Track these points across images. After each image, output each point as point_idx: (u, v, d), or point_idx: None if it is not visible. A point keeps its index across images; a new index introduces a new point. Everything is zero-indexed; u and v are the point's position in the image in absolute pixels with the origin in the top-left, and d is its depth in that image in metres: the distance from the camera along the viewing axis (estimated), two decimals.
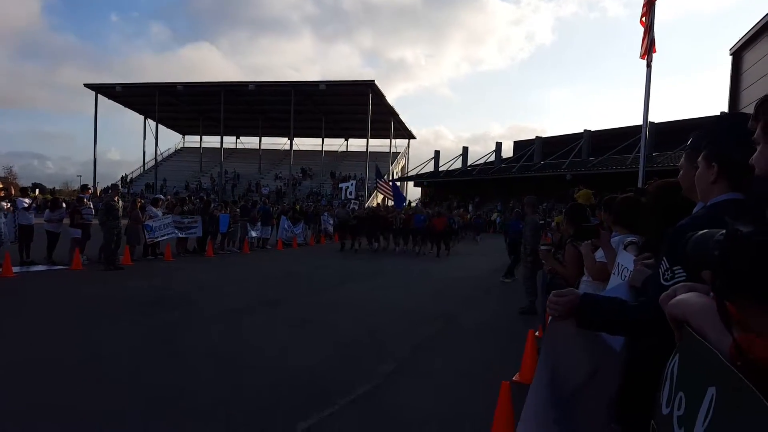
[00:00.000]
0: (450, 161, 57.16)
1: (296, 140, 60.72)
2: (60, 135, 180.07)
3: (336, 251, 18.61)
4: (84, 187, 13.82)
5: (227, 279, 11.18)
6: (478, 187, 52.79)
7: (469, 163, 56.19)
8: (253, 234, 18.57)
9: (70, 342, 5.87)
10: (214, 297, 8.95)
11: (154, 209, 15.09)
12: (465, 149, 57.33)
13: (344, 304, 8.51)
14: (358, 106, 54.00)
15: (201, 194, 51.66)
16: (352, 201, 35.88)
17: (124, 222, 13.11)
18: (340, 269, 13.34)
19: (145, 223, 14.31)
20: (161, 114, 60.24)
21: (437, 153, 60.59)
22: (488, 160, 54.32)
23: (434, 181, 57.65)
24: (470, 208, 48.88)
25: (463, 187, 54.93)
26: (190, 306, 8.07)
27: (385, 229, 19.24)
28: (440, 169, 58.46)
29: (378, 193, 22.54)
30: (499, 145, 54.83)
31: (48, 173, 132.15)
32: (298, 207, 25.56)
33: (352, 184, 40.24)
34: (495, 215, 43.38)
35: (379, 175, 25.81)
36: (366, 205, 44.08)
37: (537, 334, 6.15)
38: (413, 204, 35.65)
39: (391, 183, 25.16)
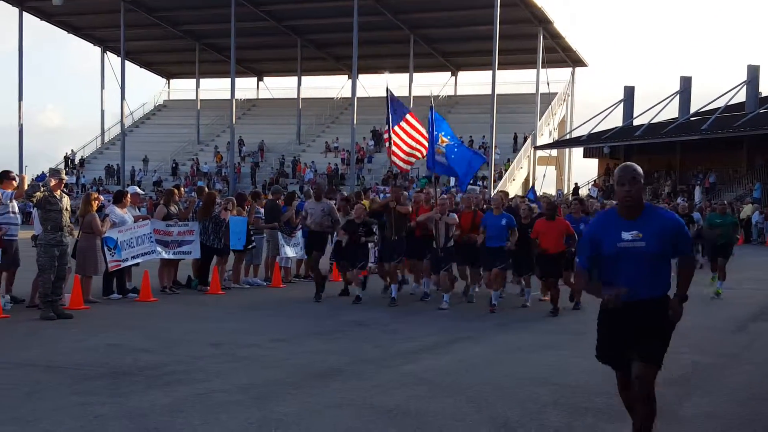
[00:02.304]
0: (654, 106, 55.45)
1: (362, 80, 61.35)
2: None
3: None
4: (4, 176, 14.29)
5: (248, 333, 11.39)
6: (713, 151, 50.92)
7: (693, 109, 54.28)
8: (289, 252, 18.67)
9: None
10: (225, 365, 9.22)
11: (118, 211, 15.55)
12: (686, 81, 55.19)
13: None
14: (475, 10, 53.67)
15: (199, 182, 53.61)
16: (468, 186, 35.58)
17: (71, 235, 13.56)
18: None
19: (107, 235, 14.79)
20: (131, 44, 62.97)
21: (629, 91, 58.87)
22: (731, 102, 52.19)
23: (624, 145, 56.24)
24: (696, 191, 47.21)
25: (683, 152, 53.19)
26: (187, 382, 8.34)
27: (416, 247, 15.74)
28: (634, 122, 56.94)
29: (395, 160, 17.59)
30: (754, 71, 51.88)
31: None
32: (366, 203, 22.52)
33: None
34: (748, 208, 41.38)
35: (399, 110, 17.89)
36: (495, 190, 43.72)
37: None
38: (541, 196, 30.95)
39: (430, 133, 16.82)
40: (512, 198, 22.67)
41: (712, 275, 17.71)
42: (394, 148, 17.26)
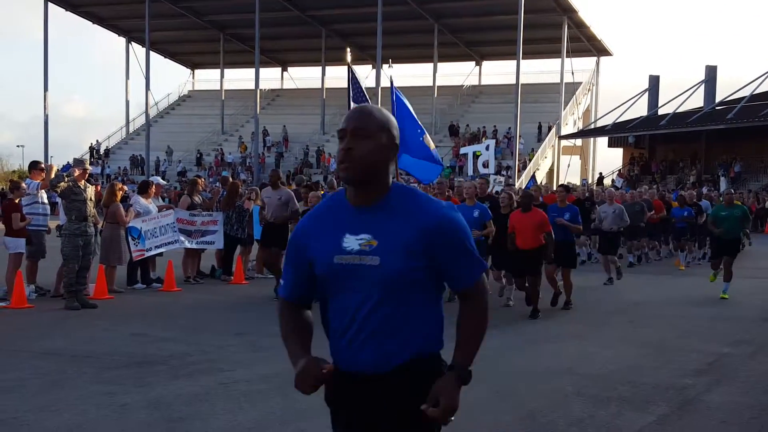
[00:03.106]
0: (679, 95, 55.05)
1: (387, 69, 61.13)
2: None
3: None
4: (34, 166, 14.38)
5: (271, 323, 11.33)
6: (738, 140, 50.47)
7: (719, 98, 53.81)
8: None
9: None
10: (249, 355, 9.22)
11: (143, 201, 15.62)
12: (711, 70, 54.75)
13: None
14: (500, 2, 53.45)
15: (223, 172, 53.81)
16: (494, 179, 35.41)
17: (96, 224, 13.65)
18: None
19: (131, 225, 14.87)
20: (155, 34, 63.24)
21: (654, 80, 58.49)
22: (757, 91, 51.63)
23: (648, 135, 55.87)
24: (722, 182, 46.84)
25: (709, 142, 52.78)
26: (210, 371, 8.37)
27: None
28: (659, 111, 56.53)
29: None
30: None
31: None
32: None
33: (488, 147, 39.85)
34: None
35: (359, 97, 15.61)
36: (519, 183, 43.60)
37: None
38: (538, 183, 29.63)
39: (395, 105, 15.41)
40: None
41: (712, 273, 15.99)
42: None
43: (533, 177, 28.00)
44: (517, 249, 12.42)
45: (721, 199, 22.97)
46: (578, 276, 16.18)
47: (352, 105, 14.39)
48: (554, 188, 25.90)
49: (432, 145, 15.81)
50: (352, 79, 15.65)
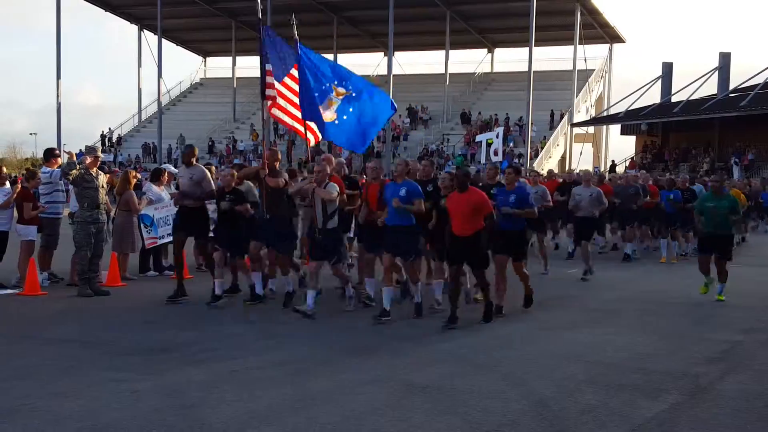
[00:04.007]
0: (693, 82, 54.80)
1: (398, 57, 61.11)
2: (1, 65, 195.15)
3: None
4: (50, 153, 14.46)
5: (283, 310, 11.49)
6: (752, 128, 50.15)
7: (732, 86, 53.51)
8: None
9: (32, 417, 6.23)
10: (260, 342, 9.26)
11: (156, 189, 15.63)
12: (725, 57, 54.46)
13: None
14: None
15: (235, 160, 53.83)
16: (504, 161, 35.37)
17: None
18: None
19: (143, 212, 14.89)
20: (167, 21, 63.25)
21: (667, 67, 58.20)
22: None
23: (661, 122, 55.60)
24: (735, 170, 46.59)
25: (722, 129, 52.50)
26: (222, 358, 8.41)
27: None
28: (672, 98, 56.26)
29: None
30: None
31: None
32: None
33: (498, 134, 39.70)
34: None
35: (288, 58, 13.21)
36: (535, 166, 43.50)
37: None
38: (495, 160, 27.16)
39: (305, 89, 12.58)
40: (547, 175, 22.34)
41: (704, 282, 13.28)
42: (278, 112, 13.01)
43: (507, 156, 24.07)
44: (453, 235, 10.74)
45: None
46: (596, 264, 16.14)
47: (269, 69, 12.75)
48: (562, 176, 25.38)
49: (328, 116, 12.63)
50: (267, 32, 13.36)
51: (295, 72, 12.76)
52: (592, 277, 15.40)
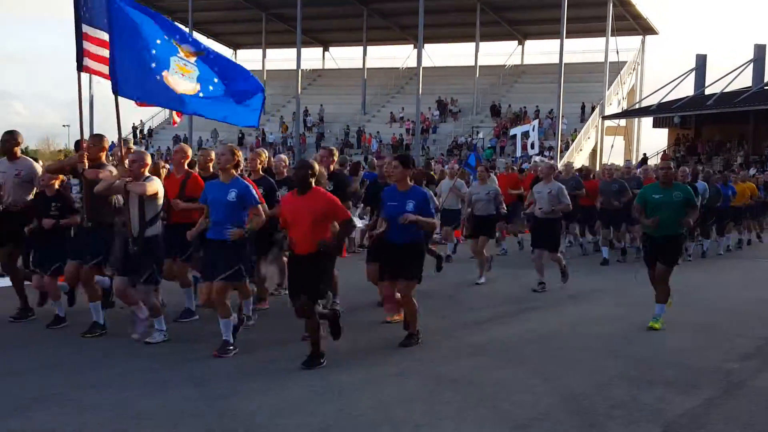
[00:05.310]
0: (727, 74, 54.26)
1: (428, 49, 60.97)
2: (32, 57, 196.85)
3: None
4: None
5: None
6: None
7: None
8: (358, 224, 18.56)
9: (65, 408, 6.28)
10: (288, 334, 9.17)
11: None
12: (760, 49, 53.81)
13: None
14: None
15: (266, 152, 53.92)
16: (540, 161, 35.23)
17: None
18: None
19: None
20: (198, 14, 63.62)
21: (701, 59, 57.55)
22: None
23: (695, 115, 55.11)
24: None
25: (757, 122, 52.01)
26: (249, 350, 8.48)
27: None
28: (706, 91, 55.72)
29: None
30: None
31: (17, 122, 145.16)
32: (432, 173, 22.29)
33: (534, 128, 39.53)
34: None
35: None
36: (561, 161, 43.29)
37: None
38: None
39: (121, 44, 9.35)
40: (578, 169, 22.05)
41: (660, 310, 10.32)
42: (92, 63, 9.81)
43: (475, 148, 19.60)
44: (294, 254, 8.02)
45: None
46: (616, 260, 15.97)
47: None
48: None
49: (187, 88, 9.57)
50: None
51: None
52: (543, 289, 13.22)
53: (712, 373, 7.96)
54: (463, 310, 11.18)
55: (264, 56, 71.06)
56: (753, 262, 17.79)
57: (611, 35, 56.98)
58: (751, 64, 53.45)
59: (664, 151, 57.26)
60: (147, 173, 8.80)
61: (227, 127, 63.53)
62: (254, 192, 8.50)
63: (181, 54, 9.52)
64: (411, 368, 7.86)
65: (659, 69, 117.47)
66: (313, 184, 7.82)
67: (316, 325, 7.84)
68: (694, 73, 57.20)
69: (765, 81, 52.93)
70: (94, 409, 6.42)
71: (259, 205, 8.47)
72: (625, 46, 62.32)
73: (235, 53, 77.98)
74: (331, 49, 74.38)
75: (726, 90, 53.00)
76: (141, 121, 70.43)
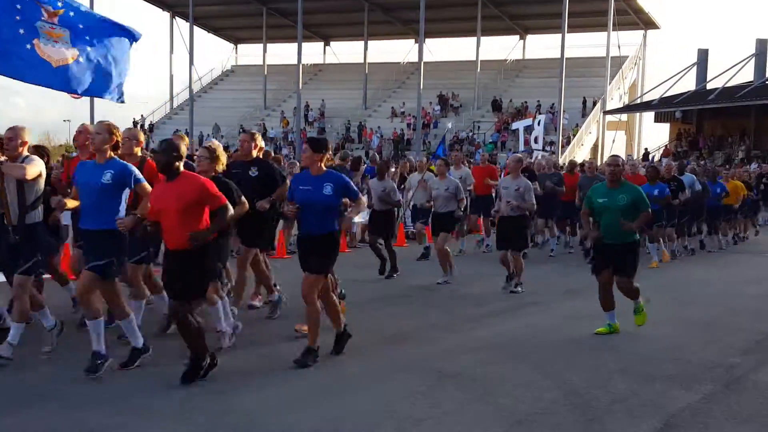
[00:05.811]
0: (728, 69, 54.23)
1: (429, 44, 60.97)
2: None
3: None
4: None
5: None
6: None
7: None
8: (357, 218, 18.59)
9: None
10: (293, 329, 9.24)
11: None
12: (762, 44, 53.80)
13: None
14: None
15: (266, 147, 53.91)
16: (539, 153, 35.24)
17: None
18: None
19: None
20: (199, 9, 63.57)
21: (703, 54, 57.53)
22: None
23: (696, 109, 55.06)
24: None
25: (758, 117, 52.00)
26: (254, 344, 8.52)
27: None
28: (708, 85, 55.69)
29: None
30: None
31: (18, 116, 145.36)
32: (433, 168, 21.90)
33: (540, 122, 39.55)
34: None
35: None
36: (564, 157, 43.32)
37: None
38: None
39: None
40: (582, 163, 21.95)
41: (608, 322, 9.59)
42: None
43: (442, 143, 18.70)
44: (170, 251, 7.21)
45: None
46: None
47: None
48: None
49: (66, 56, 8.75)
50: None
51: None
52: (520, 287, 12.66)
53: (713, 367, 7.98)
54: (465, 306, 11.20)
55: (265, 51, 70.99)
56: (753, 256, 17.78)
57: (613, 30, 56.96)
58: (753, 59, 53.46)
59: (666, 145, 57.27)
60: (26, 152, 7.62)
61: (228, 121, 63.78)
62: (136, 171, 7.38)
63: (45, 16, 8.42)
64: (414, 363, 7.89)
65: (661, 63, 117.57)
66: (182, 167, 7.06)
67: (195, 330, 7.13)
68: (695, 67, 57.20)
69: (767, 75, 52.90)
70: (96, 403, 6.47)
71: (143, 183, 7.34)
72: (627, 40, 62.48)
73: (236, 48, 78.02)
74: (332, 43, 74.37)
75: (728, 84, 52.99)
76: (142, 116, 70.37)
